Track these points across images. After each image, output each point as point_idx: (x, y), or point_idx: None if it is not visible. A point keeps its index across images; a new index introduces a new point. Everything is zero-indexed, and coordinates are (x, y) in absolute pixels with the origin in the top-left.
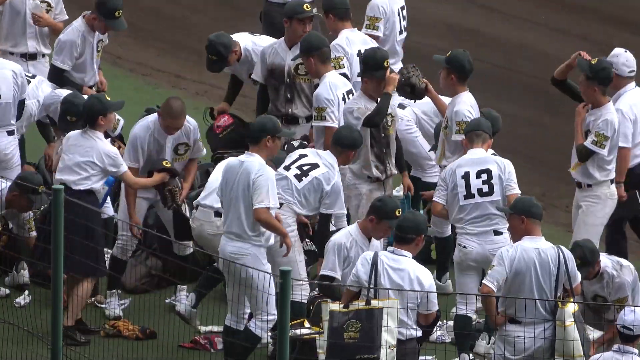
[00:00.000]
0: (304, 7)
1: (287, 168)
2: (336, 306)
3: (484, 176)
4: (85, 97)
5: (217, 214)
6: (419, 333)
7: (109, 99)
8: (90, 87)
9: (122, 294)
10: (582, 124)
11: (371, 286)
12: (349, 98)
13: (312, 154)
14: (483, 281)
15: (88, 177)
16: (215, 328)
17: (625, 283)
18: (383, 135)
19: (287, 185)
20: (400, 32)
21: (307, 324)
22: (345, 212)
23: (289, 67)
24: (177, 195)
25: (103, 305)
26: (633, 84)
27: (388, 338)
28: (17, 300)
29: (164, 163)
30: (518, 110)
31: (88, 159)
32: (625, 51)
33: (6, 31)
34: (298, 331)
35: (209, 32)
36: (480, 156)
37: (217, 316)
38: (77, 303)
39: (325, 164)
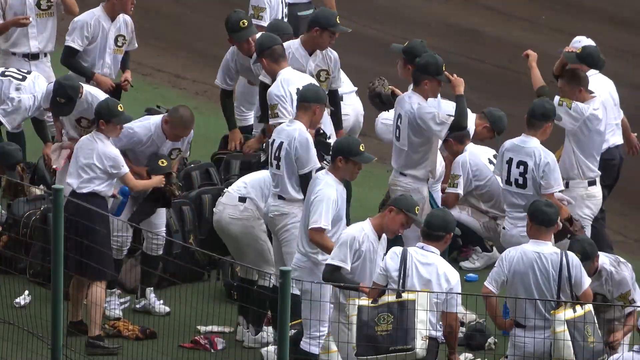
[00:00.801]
0: (337, 19)
1: (271, 163)
2: (365, 301)
3: (521, 168)
4: (85, 84)
5: (242, 199)
6: (439, 334)
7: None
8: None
9: (122, 294)
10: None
11: (388, 286)
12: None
13: (278, 133)
14: (484, 282)
15: (90, 180)
16: (215, 328)
17: (626, 277)
18: None
19: (277, 179)
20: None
21: None
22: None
23: (311, 72)
24: (177, 191)
25: (104, 305)
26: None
27: (421, 329)
28: (17, 300)
29: (160, 162)
30: (518, 110)
31: (89, 161)
32: (587, 38)
33: (9, 31)
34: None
35: (210, 32)
36: (525, 145)
37: (217, 316)
38: (97, 311)
39: (283, 138)
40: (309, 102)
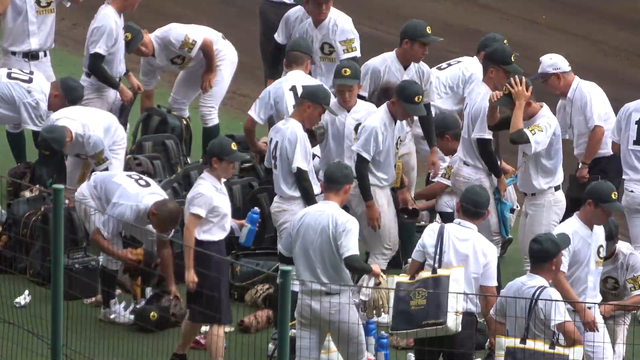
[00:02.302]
0: (427, 29)
1: (270, 162)
2: (404, 278)
3: None
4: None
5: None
6: (477, 310)
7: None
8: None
9: (121, 294)
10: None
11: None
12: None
13: (275, 132)
14: (491, 313)
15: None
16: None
17: (639, 261)
18: None
19: (275, 178)
20: None
21: None
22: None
23: None
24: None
25: (112, 316)
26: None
27: (454, 304)
28: (17, 300)
29: (133, 254)
30: None
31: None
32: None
33: (8, 30)
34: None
35: None
36: None
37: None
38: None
39: (281, 134)
40: (305, 98)
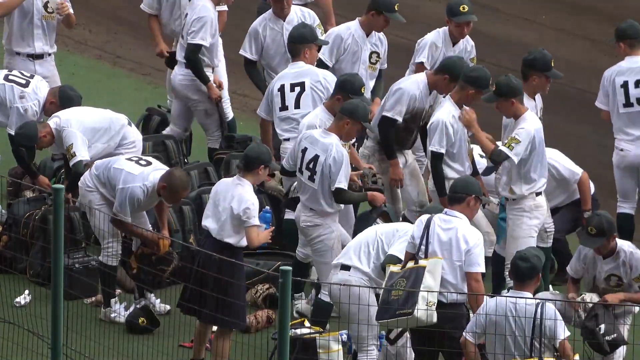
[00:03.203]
0: (461, 8)
1: (300, 170)
2: (396, 268)
3: None
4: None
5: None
6: (463, 298)
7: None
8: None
9: (121, 294)
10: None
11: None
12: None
13: (311, 143)
14: (463, 333)
15: (223, 226)
16: (215, 327)
17: None
18: None
19: (310, 191)
20: None
21: (307, 324)
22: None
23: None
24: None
25: (113, 316)
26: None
27: (427, 296)
28: (17, 299)
29: (161, 243)
30: None
31: (224, 205)
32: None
33: (14, 31)
34: (298, 331)
35: None
36: (638, 65)
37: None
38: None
39: (323, 149)
40: (344, 115)
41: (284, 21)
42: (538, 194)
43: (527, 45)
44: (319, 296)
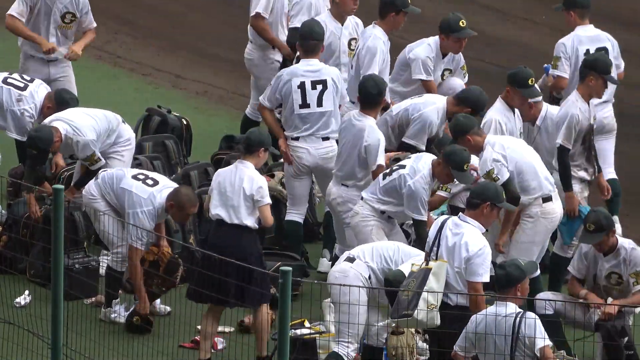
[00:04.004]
0: (460, 23)
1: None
2: (416, 267)
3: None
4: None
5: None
6: (465, 302)
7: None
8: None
9: (122, 295)
10: None
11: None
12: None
13: (407, 160)
14: (454, 346)
15: (237, 209)
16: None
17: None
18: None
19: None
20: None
21: (307, 324)
22: (423, 218)
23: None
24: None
25: (113, 316)
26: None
27: (429, 298)
28: (17, 300)
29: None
30: None
31: (234, 187)
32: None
33: (38, 32)
34: (298, 331)
35: (210, 31)
36: (594, 33)
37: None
38: (264, 335)
39: (410, 167)
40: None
41: (342, 25)
42: (546, 199)
43: (526, 46)
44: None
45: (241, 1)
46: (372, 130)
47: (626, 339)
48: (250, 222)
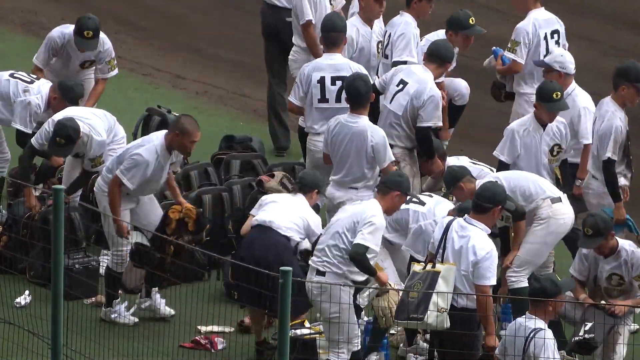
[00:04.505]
0: (470, 21)
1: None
2: (418, 267)
3: (555, 37)
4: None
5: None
6: (475, 305)
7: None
8: None
9: (122, 295)
10: None
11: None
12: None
13: (427, 197)
14: (495, 352)
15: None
16: (215, 328)
17: None
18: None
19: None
20: None
21: (307, 324)
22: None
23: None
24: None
25: (113, 316)
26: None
27: (438, 301)
28: (18, 300)
29: (184, 209)
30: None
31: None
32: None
33: (57, 73)
34: (298, 331)
35: (210, 31)
36: (548, 16)
37: (217, 316)
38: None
39: (428, 209)
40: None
41: (371, 29)
42: (554, 200)
43: None
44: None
45: (241, 3)
46: (373, 129)
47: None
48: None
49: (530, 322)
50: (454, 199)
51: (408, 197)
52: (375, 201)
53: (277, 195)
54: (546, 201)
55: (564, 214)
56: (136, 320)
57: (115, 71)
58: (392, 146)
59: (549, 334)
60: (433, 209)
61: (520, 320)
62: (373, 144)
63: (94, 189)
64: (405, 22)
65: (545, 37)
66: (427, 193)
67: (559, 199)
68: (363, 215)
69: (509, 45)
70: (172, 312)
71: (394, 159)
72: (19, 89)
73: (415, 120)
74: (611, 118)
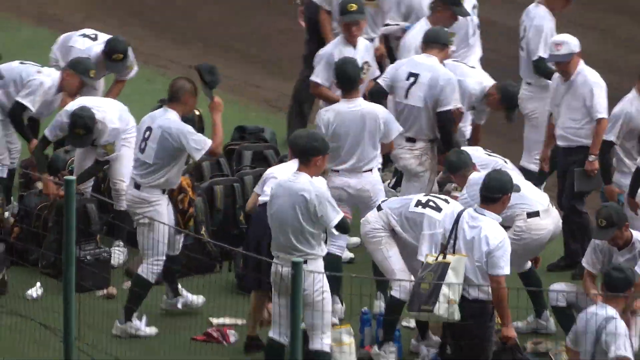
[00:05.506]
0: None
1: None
2: (431, 258)
3: (475, 11)
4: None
5: None
6: (487, 297)
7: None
8: None
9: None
10: None
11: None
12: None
13: (444, 203)
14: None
15: None
16: (227, 320)
17: None
18: None
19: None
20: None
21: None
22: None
23: None
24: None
25: (132, 330)
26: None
27: (449, 293)
28: (29, 292)
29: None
30: None
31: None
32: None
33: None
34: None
35: (223, 23)
36: None
37: (229, 308)
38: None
39: (445, 215)
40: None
41: (355, 48)
42: (530, 215)
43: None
44: (391, 293)
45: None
46: (375, 106)
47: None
48: None
49: (602, 310)
50: (453, 185)
51: (426, 200)
52: (305, 176)
53: (277, 169)
54: (522, 214)
55: (539, 229)
56: (157, 330)
57: (135, 70)
58: (414, 140)
59: (621, 323)
60: (452, 215)
61: (592, 309)
62: (384, 120)
63: (127, 202)
64: (539, 16)
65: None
66: (444, 197)
67: (537, 214)
68: (310, 196)
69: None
70: (202, 298)
71: (402, 129)
72: (31, 70)
73: (435, 107)
74: (625, 103)
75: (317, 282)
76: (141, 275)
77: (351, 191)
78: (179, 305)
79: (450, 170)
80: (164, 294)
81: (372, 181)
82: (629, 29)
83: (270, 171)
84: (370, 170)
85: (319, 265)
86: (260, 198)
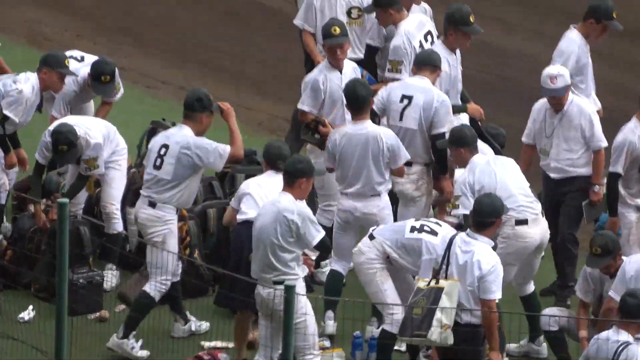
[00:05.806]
0: (471, 18)
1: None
2: (422, 283)
3: (429, 38)
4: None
5: None
6: (479, 321)
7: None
8: None
9: (125, 310)
10: None
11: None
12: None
13: (437, 226)
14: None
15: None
16: (219, 344)
17: None
18: None
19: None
20: None
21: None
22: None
23: None
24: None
25: (127, 348)
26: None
27: (442, 318)
28: (21, 315)
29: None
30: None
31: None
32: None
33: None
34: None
35: (215, 45)
36: (418, 21)
37: (221, 332)
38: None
39: (442, 239)
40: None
41: (341, 73)
42: (519, 222)
43: (533, 57)
44: (383, 327)
45: (246, 17)
46: (383, 130)
47: None
48: None
49: (617, 335)
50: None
51: (420, 225)
52: (289, 196)
53: (251, 183)
54: (511, 221)
55: (526, 237)
56: (148, 353)
57: (120, 93)
58: (410, 164)
59: (636, 347)
60: (446, 240)
61: (607, 333)
62: (389, 145)
63: (139, 219)
64: (568, 39)
65: (420, 44)
66: (435, 220)
67: (525, 222)
68: (291, 216)
69: (389, 66)
70: (207, 324)
71: (409, 157)
72: (7, 81)
73: (430, 130)
74: (627, 133)
75: (297, 303)
76: (148, 293)
77: (358, 214)
78: (194, 328)
79: (451, 143)
80: (174, 320)
81: (380, 205)
82: (628, 49)
83: (244, 186)
84: (379, 194)
85: (300, 287)
86: (238, 216)
